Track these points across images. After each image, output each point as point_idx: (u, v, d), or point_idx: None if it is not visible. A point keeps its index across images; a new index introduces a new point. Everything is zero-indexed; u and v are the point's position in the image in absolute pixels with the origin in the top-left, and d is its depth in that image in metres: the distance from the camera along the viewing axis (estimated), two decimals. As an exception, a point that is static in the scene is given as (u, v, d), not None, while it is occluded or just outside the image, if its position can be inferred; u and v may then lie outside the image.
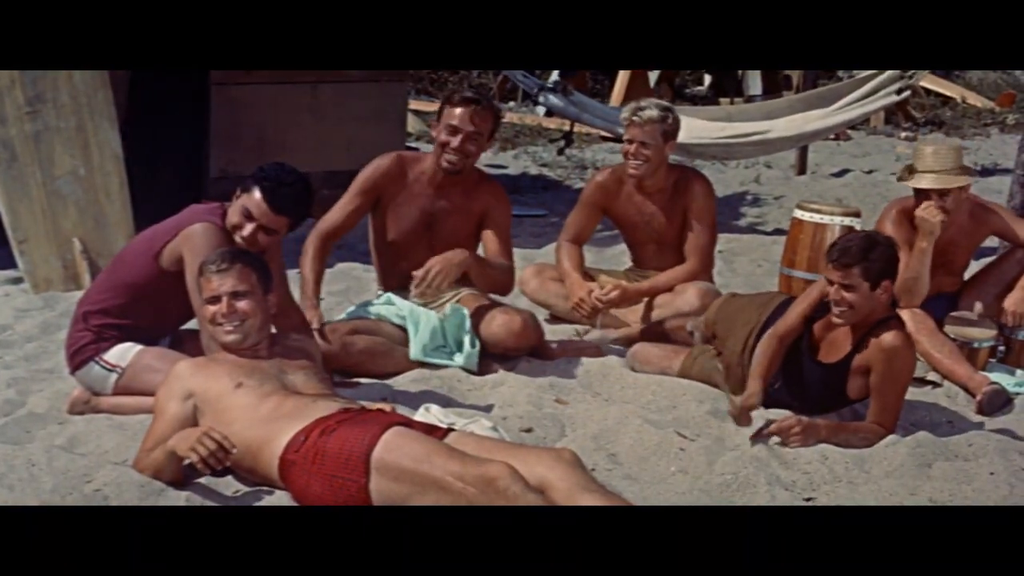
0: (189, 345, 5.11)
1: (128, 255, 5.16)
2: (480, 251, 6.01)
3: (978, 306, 6.21)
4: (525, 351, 5.86)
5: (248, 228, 4.88)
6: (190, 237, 4.87)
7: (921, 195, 6.03)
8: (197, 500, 4.10)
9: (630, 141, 6.42)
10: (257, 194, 4.87)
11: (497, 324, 5.77)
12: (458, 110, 5.80)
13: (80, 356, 5.10)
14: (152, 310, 5.09)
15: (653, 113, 6.38)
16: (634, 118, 6.39)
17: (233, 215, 4.92)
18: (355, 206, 5.94)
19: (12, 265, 7.50)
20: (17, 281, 7.47)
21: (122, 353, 5.07)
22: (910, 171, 6.12)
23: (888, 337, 4.93)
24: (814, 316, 5.23)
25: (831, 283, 4.99)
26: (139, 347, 5.08)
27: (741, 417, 4.99)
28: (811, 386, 5.21)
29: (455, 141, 5.79)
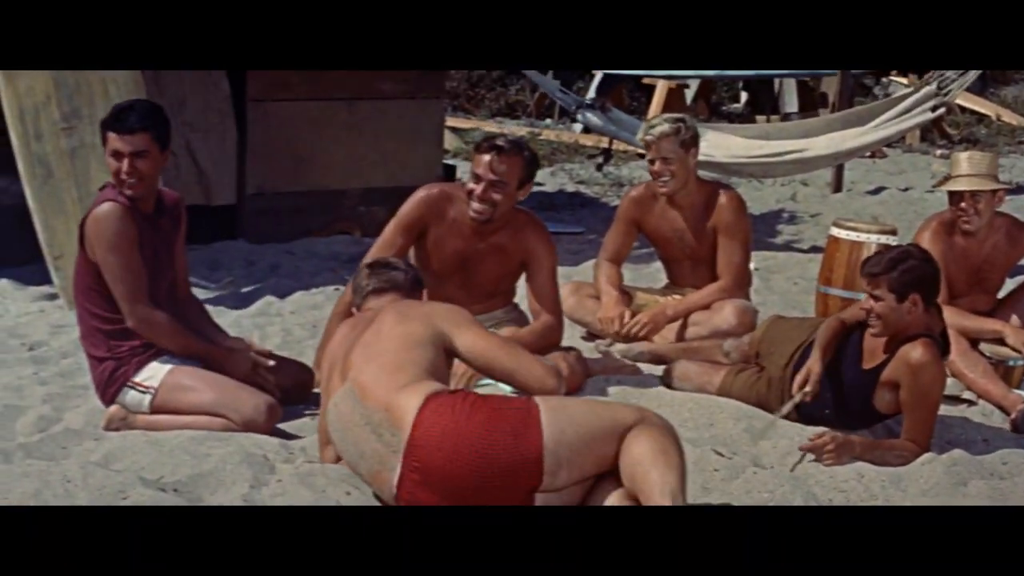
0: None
1: (76, 263, 5.24)
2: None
3: (1015, 319, 6.19)
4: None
5: (124, 165, 5.00)
6: (91, 222, 5.05)
7: (955, 199, 6.10)
8: (197, 500, 4.11)
9: (652, 161, 6.45)
10: (108, 133, 5.04)
11: None
12: (482, 157, 5.56)
13: (112, 386, 5.14)
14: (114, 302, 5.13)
15: (664, 127, 6.39)
16: (647, 137, 6.42)
17: (110, 167, 5.06)
18: (398, 246, 5.68)
19: (47, 281, 7.52)
20: (52, 297, 7.49)
21: (152, 373, 5.10)
22: (945, 180, 6.17)
23: (915, 353, 4.92)
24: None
25: (866, 293, 5.03)
26: (168, 366, 5.12)
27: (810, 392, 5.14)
28: (845, 389, 5.22)
29: (478, 189, 5.54)
